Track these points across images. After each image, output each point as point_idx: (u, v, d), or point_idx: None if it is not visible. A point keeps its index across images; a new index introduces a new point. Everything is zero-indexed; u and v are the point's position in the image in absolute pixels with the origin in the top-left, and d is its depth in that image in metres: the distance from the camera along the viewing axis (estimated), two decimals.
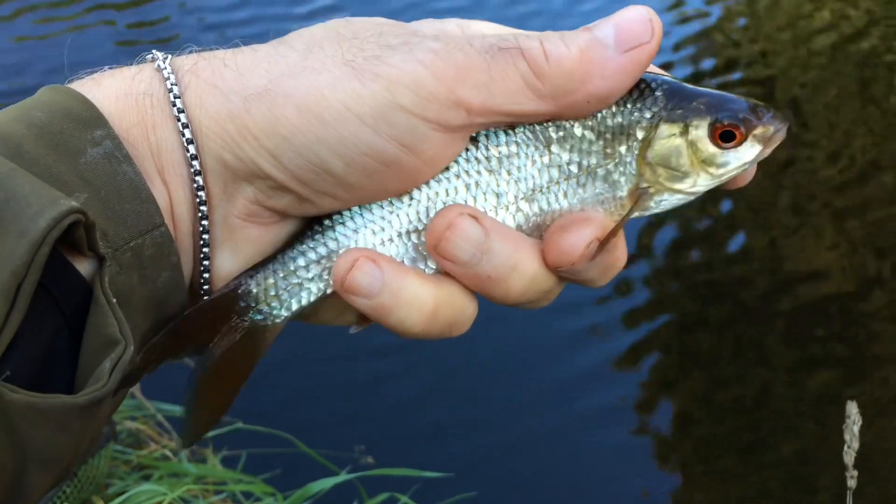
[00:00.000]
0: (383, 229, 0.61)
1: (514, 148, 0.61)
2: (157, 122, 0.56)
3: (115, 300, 0.52)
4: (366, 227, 0.61)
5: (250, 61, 0.57)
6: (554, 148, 0.61)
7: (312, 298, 0.62)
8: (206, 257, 0.59)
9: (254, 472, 2.32)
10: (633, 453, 2.94)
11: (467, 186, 0.61)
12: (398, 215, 0.61)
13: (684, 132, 0.60)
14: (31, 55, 4.54)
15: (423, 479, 2.16)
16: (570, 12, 4.82)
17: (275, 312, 0.62)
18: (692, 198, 0.63)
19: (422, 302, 0.59)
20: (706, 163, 0.61)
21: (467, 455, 2.74)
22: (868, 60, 4.65)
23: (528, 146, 0.61)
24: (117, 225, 0.54)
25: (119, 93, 0.57)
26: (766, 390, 3.15)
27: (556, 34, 0.58)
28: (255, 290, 0.61)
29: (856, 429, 1.32)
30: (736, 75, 4.58)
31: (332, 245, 0.61)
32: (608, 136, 0.61)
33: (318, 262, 0.61)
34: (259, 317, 0.62)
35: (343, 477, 2.03)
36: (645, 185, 0.61)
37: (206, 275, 0.60)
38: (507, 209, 0.61)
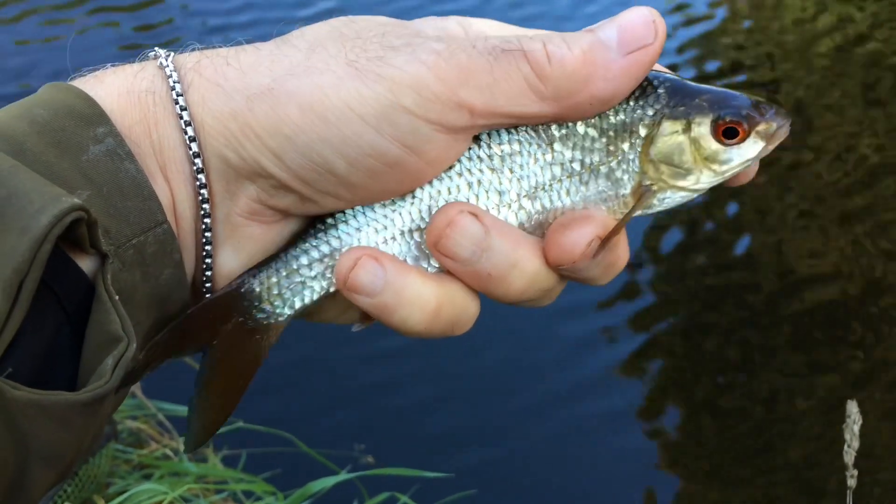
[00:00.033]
0: (386, 228, 0.61)
1: (516, 146, 0.61)
2: (160, 119, 0.57)
3: (117, 297, 0.52)
4: (368, 225, 0.61)
5: (253, 60, 0.57)
6: (556, 146, 0.61)
7: (315, 297, 0.62)
8: (209, 255, 0.59)
9: (254, 471, 2.32)
10: (638, 457, 2.93)
11: (469, 185, 0.61)
12: (400, 214, 0.61)
13: (687, 129, 0.60)
14: (35, 58, 4.54)
15: (424, 479, 2.16)
16: (574, 15, 4.82)
17: (278, 311, 0.62)
18: (695, 195, 0.63)
19: (424, 301, 0.59)
20: (709, 160, 0.61)
21: (467, 455, 2.74)
22: (873, 63, 4.64)
23: (530, 144, 0.61)
24: (119, 222, 0.54)
25: (121, 90, 0.57)
26: (773, 394, 3.13)
27: (559, 35, 0.58)
28: (258, 289, 0.61)
29: (856, 428, 1.32)
30: (740, 77, 4.58)
31: (334, 243, 0.61)
32: (611, 133, 0.61)
33: (320, 260, 0.61)
34: (262, 315, 0.62)
35: (343, 476, 2.03)
36: (648, 182, 0.61)
37: (208, 273, 0.60)
38: (510, 207, 0.62)
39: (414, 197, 0.61)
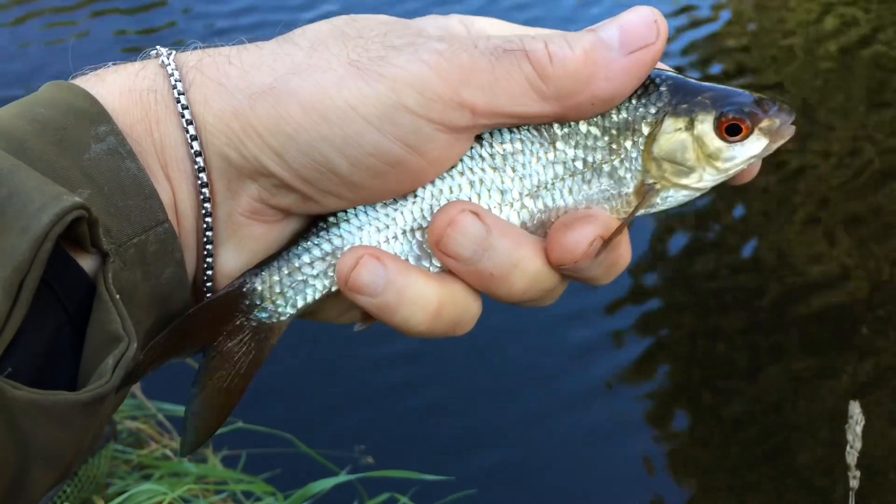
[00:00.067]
0: (387, 227, 0.61)
1: (518, 145, 0.61)
2: (161, 118, 0.56)
3: (118, 296, 0.52)
4: (370, 224, 0.61)
5: (255, 59, 0.57)
6: (559, 144, 0.61)
7: (317, 296, 0.62)
8: (210, 254, 0.59)
9: (254, 471, 2.31)
10: (643, 462, 2.91)
11: (471, 184, 0.61)
12: (402, 213, 0.61)
13: (690, 126, 0.60)
14: (37, 61, 4.54)
15: (424, 480, 2.16)
16: (577, 17, 4.82)
17: (280, 310, 0.62)
18: (697, 194, 0.63)
19: (426, 300, 0.59)
20: (712, 157, 0.61)
21: (469, 459, 2.73)
22: (878, 65, 4.63)
23: (532, 143, 0.61)
24: (120, 221, 0.54)
25: (123, 89, 0.57)
26: (780, 398, 3.11)
27: (561, 35, 0.58)
28: (259, 288, 0.61)
29: (859, 429, 1.31)
30: (745, 80, 4.57)
31: (336, 242, 0.61)
32: (613, 131, 0.61)
33: (322, 258, 0.61)
34: (264, 315, 0.61)
35: (343, 478, 2.02)
36: (651, 181, 0.61)
37: (209, 272, 0.60)
38: (512, 206, 0.61)
39: (415, 196, 0.61)
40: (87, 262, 0.53)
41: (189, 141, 0.56)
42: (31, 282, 0.48)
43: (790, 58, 4.78)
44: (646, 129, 0.61)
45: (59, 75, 0.59)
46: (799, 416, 3.05)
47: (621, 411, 3.01)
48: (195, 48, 0.60)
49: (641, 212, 0.62)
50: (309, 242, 0.61)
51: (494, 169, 0.61)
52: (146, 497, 1.87)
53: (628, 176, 0.61)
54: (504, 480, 2.73)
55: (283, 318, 0.62)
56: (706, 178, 0.61)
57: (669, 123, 0.60)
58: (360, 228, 0.61)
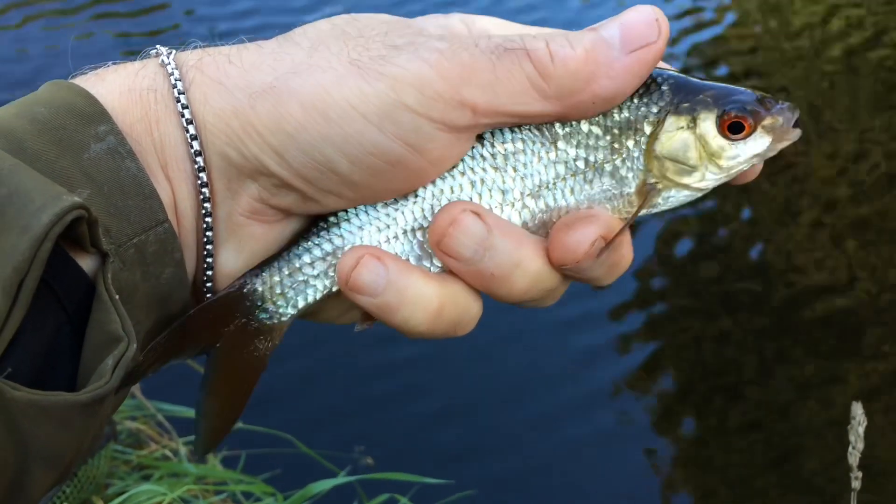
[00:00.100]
0: (388, 227, 0.61)
1: (519, 144, 0.61)
2: (161, 117, 0.56)
3: (117, 297, 0.52)
4: (371, 224, 0.61)
5: (255, 58, 0.57)
6: (560, 144, 0.61)
7: (318, 296, 0.61)
8: (210, 254, 0.59)
9: (254, 472, 2.31)
10: (647, 468, 2.91)
11: (472, 183, 0.61)
12: (403, 212, 0.61)
13: (692, 125, 0.60)
14: (39, 64, 4.54)
15: (424, 481, 2.16)
16: (582, 20, 4.82)
17: (281, 311, 0.61)
18: (699, 194, 0.62)
19: (426, 300, 0.59)
20: (715, 156, 0.60)
21: (469, 463, 2.72)
22: (885, 67, 4.63)
23: (533, 142, 0.61)
24: (120, 221, 0.54)
25: (122, 88, 0.57)
26: (787, 403, 3.08)
27: (562, 34, 0.58)
28: (260, 289, 0.61)
29: (861, 430, 1.31)
30: (750, 83, 4.56)
31: (337, 242, 0.61)
32: (615, 131, 0.61)
33: (323, 258, 0.61)
34: (265, 315, 0.61)
35: (343, 479, 2.03)
36: (653, 180, 0.61)
37: (209, 272, 0.60)
38: (513, 206, 0.61)
39: (416, 196, 0.61)
40: (86, 263, 0.53)
41: (189, 140, 0.56)
42: (30, 282, 0.48)
43: (795, 60, 4.77)
44: (648, 129, 0.60)
45: (61, 77, 0.59)
46: (806, 421, 3.03)
47: (626, 415, 3.00)
48: (195, 47, 0.60)
49: (643, 212, 0.62)
50: (309, 242, 0.61)
51: (496, 169, 0.61)
52: (146, 497, 1.87)
53: (630, 175, 0.61)
54: (506, 485, 2.72)
55: (284, 319, 0.62)
56: (708, 178, 0.61)
57: (671, 122, 0.60)
58: (360, 228, 0.61)
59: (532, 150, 0.61)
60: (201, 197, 0.57)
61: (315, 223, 0.61)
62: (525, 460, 2.82)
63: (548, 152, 0.61)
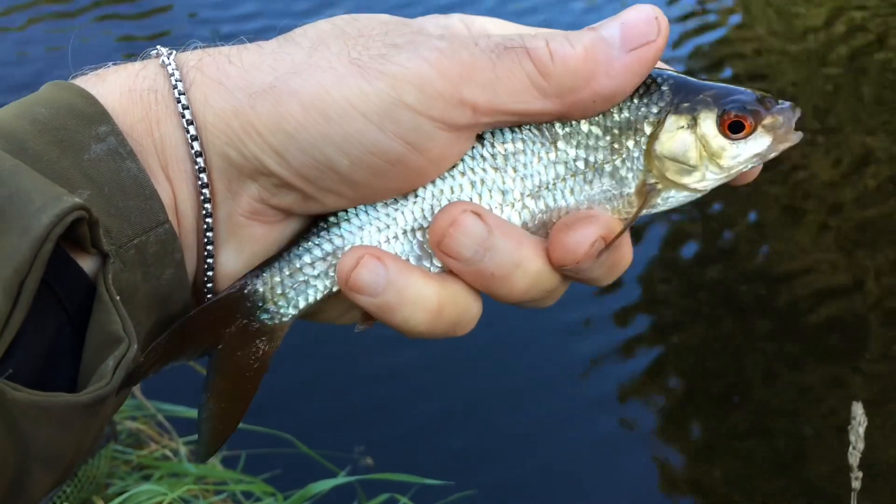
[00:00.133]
0: (388, 227, 0.61)
1: (519, 145, 0.61)
2: (162, 118, 0.56)
3: (118, 297, 0.52)
4: (371, 224, 0.61)
5: (255, 58, 0.57)
6: (560, 144, 0.61)
7: (319, 296, 0.61)
8: (210, 255, 0.59)
9: (254, 472, 2.31)
10: (650, 471, 2.89)
11: (472, 184, 0.61)
12: (403, 213, 0.61)
13: (692, 125, 0.60)
14: (41, 66, 4.54)
15: (424, 483, 2.16)
16: (584, 22, 4.80)
17: (282, 311, 0.61)
18: (699, 195, 0.62)
19: (426, 300, 0.59)
20: (715, 155, 0.60)
21: (470, 466, 2.72)
22: (888, 69, 4.61)
23: (534, 143, 0.61)
24: (121, 222, 0.54)
25: (123, 89, 0.57)
26: (792, 407, 3.08)
27: (562, 33, 0.58)
28: (261, 289, 0.61)
29: (861, 430, 1.31)
30: (754, 85, 4.55)
31: (337, 242, 0.61)
32: (615, 131, 0.60)
33: (323, 258, 0.61)
34: (266, 316, 0.61)
35: (343, 479, 2.03)
36: (653, 181, 0.61)
37: (209, 273, 0.60)
38: (513, 206, 0.61)
39: (416, 196, 0.61)
40: (87, 263, 0.53)
41: (189, 141, 0.56)
42: (31, 283, 0.48)
43: (800, 63, 4.77)
44: (648, 129, 0.60)
45: (63, 80, 0.59)
46: (811, 425, 3.02)
47: (628, 419, 2.99)
48: (195, 48, 0.60)
49: (643, 212, 0.62)
50: (310, 242, 0.61)
51: (496, 169, 0.61)
52: (146, 497, 1.87)
53: (630, 176, 0.61)
54: (506, 487, 2.72)
55: (285, 320, 0.62)
56: (709, 178, 0.61)
57: (672, 122, 0.60)
58: (360, 228, 0.61)
59: (532, 151, 0.61)
60: (202, 197, 0.57)
61: (315, 223, 0.61)
62: (526, 463, 2.81)
63: (548, 153, 0.61)
